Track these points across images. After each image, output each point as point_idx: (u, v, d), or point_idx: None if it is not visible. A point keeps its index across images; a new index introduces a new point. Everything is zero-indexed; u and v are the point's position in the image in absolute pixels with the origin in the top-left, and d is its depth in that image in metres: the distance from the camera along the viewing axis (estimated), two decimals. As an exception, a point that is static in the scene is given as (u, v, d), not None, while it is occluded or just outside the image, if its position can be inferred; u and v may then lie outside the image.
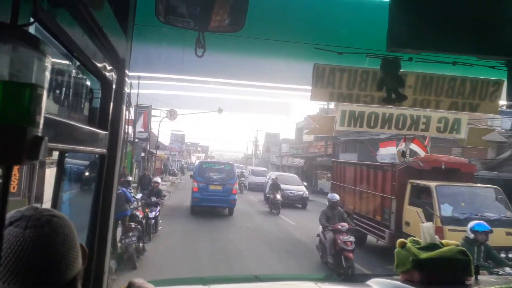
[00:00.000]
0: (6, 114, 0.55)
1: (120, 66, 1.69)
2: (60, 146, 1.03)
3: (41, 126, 0.61)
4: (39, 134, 0.60)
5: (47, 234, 0.85)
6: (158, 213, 11.63)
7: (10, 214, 0.85)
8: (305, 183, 25.77)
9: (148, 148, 27.85)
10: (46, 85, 0.62)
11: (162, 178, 33.80)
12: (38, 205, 1.08)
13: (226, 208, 16.90)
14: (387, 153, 15.99)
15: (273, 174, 26.81)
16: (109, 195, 1.61)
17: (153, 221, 11.12)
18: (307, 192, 24.14)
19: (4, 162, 0.57)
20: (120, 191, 9.93)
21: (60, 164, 1.26)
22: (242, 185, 28.80)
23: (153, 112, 26.42)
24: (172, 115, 26.60)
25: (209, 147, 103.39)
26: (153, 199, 11.78)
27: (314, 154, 38.96)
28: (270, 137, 63.66)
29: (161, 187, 25.76)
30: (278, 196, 19.41)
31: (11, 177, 0.62)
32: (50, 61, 0.64)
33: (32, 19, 0.73)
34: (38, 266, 0.83)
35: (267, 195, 20.58)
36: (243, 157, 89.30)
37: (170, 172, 42.43)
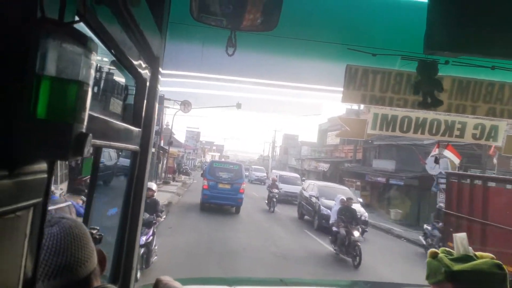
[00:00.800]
0: (53, 110, 0.56)
1: (154, 63, 1.71)
2: (98, 142, 1.04)
3: (85, 122, 0.62)
4: (84, 130, 0.60)
5: (56, 233, 0.88)
6: (151, 237, 7.76)
7: None
8: (360, 200, 18.55)
9: (160, 144, 25.65)
10: (91, 83, 0.62)
11: (174, 178, 30.39)
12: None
13: (233, 206, 17.62)
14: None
15: (317, 186, 18.28)
16: (140, 192, 1.63)
17: (143, 249, 7.45)
18: (366, 214, 16.28)
19: (51, 157, 0.58)
20: (69, 203, 7.42)
21: (95, 160, 1.28)
22: (274, 199, 20.22)
23: (166, 103, 24.66)
24: (186, 107, 23.83)
25: (224, 146, 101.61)
26: (145, 216, 7.40)
27: (340, 159, 34.88)
28: (289, 139, 60.77)
29: (171, 188, 22.56)
30: (357, 234, 11.21)
31: (53, 172, 0.63)
32: (96, 58, 0.64)
33: (77, 17, 0.73)
34: (49, 262, 0.85)
35: (334, 229, 12.07)
36: (259, 158, 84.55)
37: (183, 171, 39.80)
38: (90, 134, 0.61)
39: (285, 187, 25.16)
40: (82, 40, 0.59)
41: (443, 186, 15.64)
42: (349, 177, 30.24)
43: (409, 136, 3.32)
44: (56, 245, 0.87)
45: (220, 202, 17.08)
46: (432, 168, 15.04)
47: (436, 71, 2.34)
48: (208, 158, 60.79)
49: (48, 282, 0.84)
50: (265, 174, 43.11)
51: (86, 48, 0.59)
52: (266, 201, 20.91)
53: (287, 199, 24.25)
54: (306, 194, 18.80)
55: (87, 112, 0.63)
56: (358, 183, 28.36)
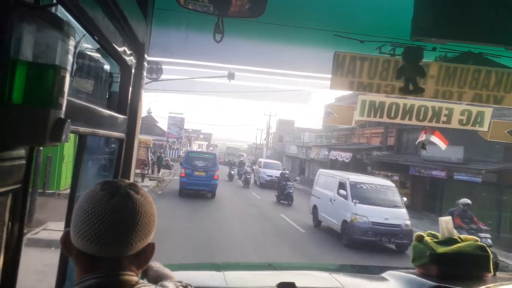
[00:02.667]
0: (29, 95, 0.55)
1: (139, 50, 1.68)
2: (81, 129, 1.03)
3: (63, 108, 0.61)
4: (62, 116, 0.60)
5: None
6: None
7: (108, 180, 0.90)
8: (405, 198, 12.97)
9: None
10: (69, 67, 0.62)
11: (143, 176, 21.12)
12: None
13: (209, 192, 19.25)
14: None
15: None
16: (128, 179, 1.62)
17: None
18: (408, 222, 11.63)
19: (28, 143, 0.57)
20: None
21: (80, 148, 1.27)
22: None
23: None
24: (155, 71, 13.70)
25: (213, 135, 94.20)
26: None
27: (360, 145, 25.57)
28: (284, 124, 54.20)
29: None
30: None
31: (33, 158, 0.62)
32: (73, 43, 0.63)
33: (54, 0, 0.72)
34: (113, 229, 0.83)
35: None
36: (250, 147, 74.73)
37: (164, 164, 30.40)
38: (69, 120, 0.60)
39: (373, 214, 11.64)
40: (58, 24, 0.58)
41: None
42: (380, 169, 21.70)
43: (397, 122, 3.34)
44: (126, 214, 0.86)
45: (196, 188, 18.77)
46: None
47: (420, 58, 2.35)
48: (195, 148, 53.73)
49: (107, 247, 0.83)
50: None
51: (62, 33, 0.58)
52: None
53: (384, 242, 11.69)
54: None
55: (66, 97, 0.62)
56: (396, 178, 20.03)
